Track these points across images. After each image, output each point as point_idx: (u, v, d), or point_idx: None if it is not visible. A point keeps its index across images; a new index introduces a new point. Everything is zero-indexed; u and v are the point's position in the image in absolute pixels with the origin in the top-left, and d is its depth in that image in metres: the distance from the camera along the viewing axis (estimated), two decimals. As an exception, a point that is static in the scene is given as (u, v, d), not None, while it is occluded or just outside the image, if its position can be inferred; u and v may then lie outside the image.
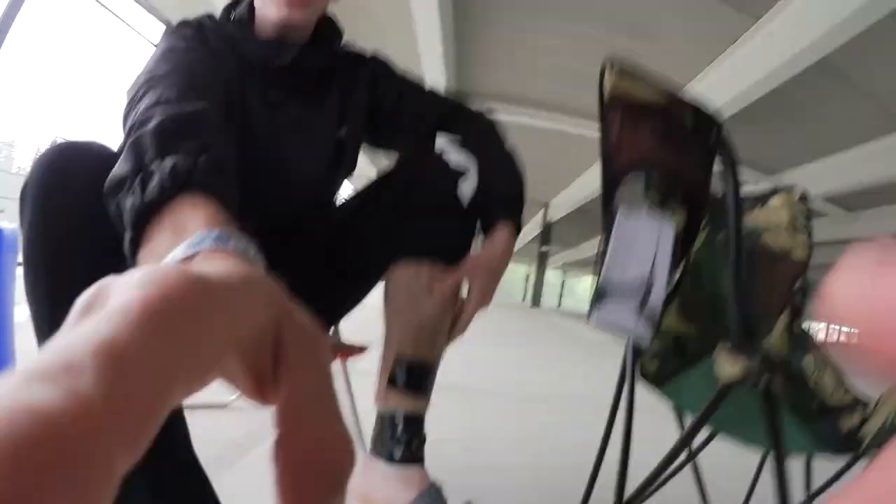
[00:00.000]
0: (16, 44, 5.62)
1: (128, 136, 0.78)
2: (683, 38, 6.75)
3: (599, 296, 1.12)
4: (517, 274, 44.40)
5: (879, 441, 1.28)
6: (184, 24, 1.27)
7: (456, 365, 1.54)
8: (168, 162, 0.66)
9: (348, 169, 1.47)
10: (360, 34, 6.05)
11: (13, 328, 2.22)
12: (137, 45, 8.25)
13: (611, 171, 1.13)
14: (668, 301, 1.87)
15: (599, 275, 1.12)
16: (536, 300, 18.25)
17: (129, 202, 0.63)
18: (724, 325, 1.86)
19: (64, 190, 0.84)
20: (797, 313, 1.79)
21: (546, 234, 17.89)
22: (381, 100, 1.46)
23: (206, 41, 1.23)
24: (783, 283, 1.83)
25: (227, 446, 1.78)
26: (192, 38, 1.20)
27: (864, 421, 1.36)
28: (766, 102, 6.82)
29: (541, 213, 18.12)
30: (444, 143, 1.32)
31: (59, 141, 0.90)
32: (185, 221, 0.59)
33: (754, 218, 1.97)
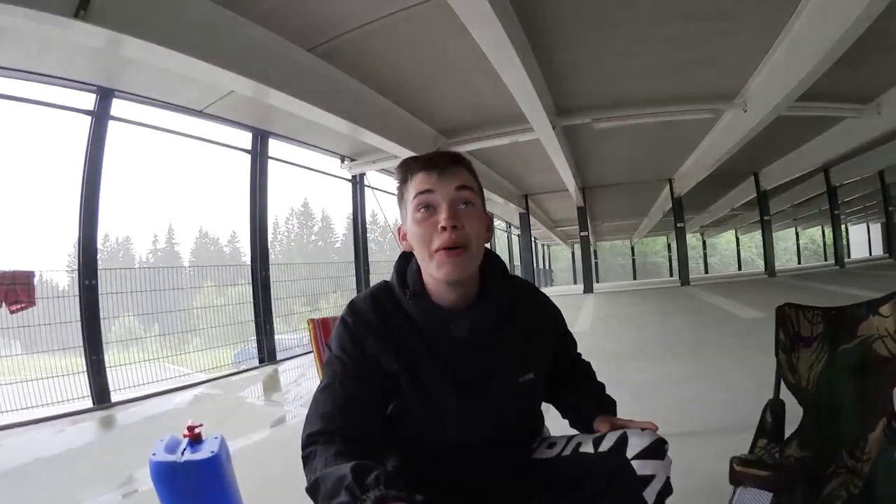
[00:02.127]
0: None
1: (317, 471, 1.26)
2: (752, 14, 6.80)
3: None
4: (659, 244, 43.66)
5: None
6: (356, 310, 1.51)
7: None
8: (371, 494, 1.08)
9: (535, 406, 1.69)
10: (459, 100, 6.35)
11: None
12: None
13: (736, 480, 1.86)
14: (791, 437, 2.18)
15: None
16: (685, 278, 17.85)
17: None
18: (835, 444, 2.06)
19: None
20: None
21: (678, 209, 17.54)
22: (560, 353, 1.77)
23: (379, 320, 1.48)
24: (888, 384, 1.96)
25: None
26: (361, 333, 1.47)
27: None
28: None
29: (667, 189, 17.85)
30: (636, 442, 1.42)
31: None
32: None
33: (868, 326, 2.09)
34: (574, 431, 1.66)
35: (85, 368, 5.83)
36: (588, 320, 10.40)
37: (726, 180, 18.76)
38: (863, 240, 36.77)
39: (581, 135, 11.30)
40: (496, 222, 23.54)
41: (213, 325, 7.99)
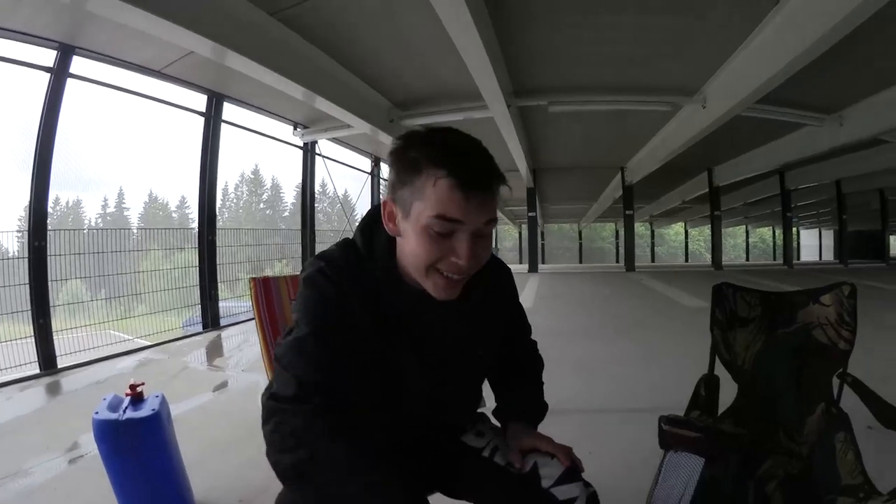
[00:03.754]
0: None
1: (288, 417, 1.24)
2: (725, 9, 6.79)
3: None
4: (607, 231, 44.18)
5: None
6: (328, 267, 1.32)
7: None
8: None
9: (479, 382, 1.64)
10: (415, 72, 6.28)
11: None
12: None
13: (666, 442, 1.88)
14: (725, 413, 2.24)
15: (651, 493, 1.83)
16: (630, 265, 18.18)
17: None
18: (772, 424, 2.13)
19: None
20: (836, 397, 2.00)
21: (628, 197, 17.74)
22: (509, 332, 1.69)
23: (352, 282, 1.32)
24: (827, 371, 2.03)
25: None
26: (335, 291, 1.30)
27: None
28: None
29: (618, 176, 18.06)
30: (548, 473, 1.41)
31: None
32: None
33: (808, 313, 2.15)
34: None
35: (32, 333, 5.71)
36: (531, 299, 10.55)
37: (680, 173, 18.93)
38: (814, 244, 37.45)
39: (536, 116, 11.33)
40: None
41: (159, 289, 7.89)
